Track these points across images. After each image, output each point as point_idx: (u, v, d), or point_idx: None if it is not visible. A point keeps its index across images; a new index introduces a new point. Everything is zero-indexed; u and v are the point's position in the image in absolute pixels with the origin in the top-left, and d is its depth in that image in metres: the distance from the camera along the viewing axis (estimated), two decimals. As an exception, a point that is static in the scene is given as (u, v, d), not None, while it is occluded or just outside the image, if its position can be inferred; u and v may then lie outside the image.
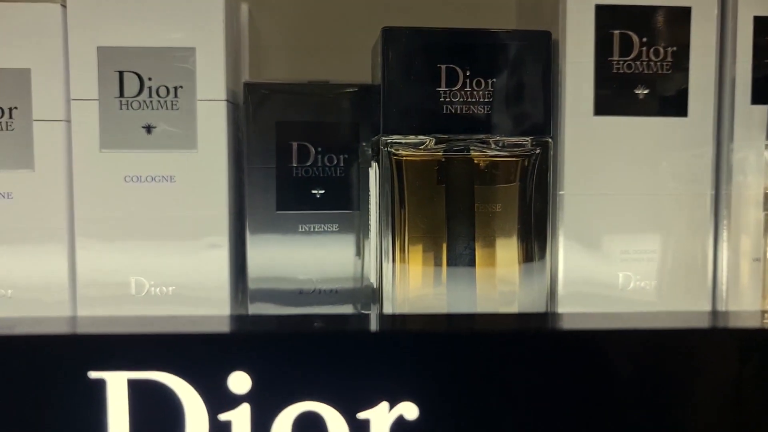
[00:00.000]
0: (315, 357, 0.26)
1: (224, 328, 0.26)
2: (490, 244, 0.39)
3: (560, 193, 0.41)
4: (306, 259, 0.42)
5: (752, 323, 0.28)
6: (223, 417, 0.26)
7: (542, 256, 0.40)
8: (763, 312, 0.41)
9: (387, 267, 0.38)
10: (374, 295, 0.40)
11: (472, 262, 0.38)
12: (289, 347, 0.26)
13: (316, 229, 0.42)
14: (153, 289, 0.40)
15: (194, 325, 0.25)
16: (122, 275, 0.40)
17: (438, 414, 0.26)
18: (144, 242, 0.40)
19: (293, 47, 0.59)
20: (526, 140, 0.37)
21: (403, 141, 0.37)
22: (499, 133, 0.37)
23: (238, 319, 0.30)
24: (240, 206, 0.43)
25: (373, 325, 0.30)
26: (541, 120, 0.38)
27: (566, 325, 0.28)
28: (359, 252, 0.42)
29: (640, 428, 0.27)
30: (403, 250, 0.39)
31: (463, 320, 0.31)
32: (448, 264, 0.40)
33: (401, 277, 0.39)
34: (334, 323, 0.26)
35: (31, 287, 0.40)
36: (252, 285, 0.42)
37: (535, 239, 0.40)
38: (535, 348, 0.26)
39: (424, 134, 0.37)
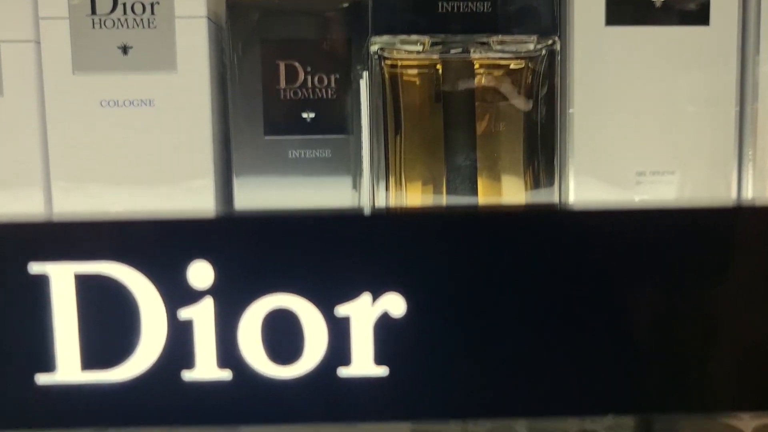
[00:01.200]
0: (287, 243, 0.23)
1: (183, 215, 0.23)
2: (494, 169, 0.36)
3: (570, 111, 0.38)
4: (297, 188, 0.39)
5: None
6: (183, 314, 0.24)
7: (550, 182, 0.37)
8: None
9: (379, 193, 0.35)
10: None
11: (473, 178, 0.35)
12: (257, 233, 0.23)
13: (308, 155, 0.39)
14: (133, 221, 0.38)
15: (149, 214, 0.23)
16: (101, 205, 0.38)
17: (428, 308, 0.23)
18: (122, 170, 0.38)
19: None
20: (531, 39, 0.34)
21: (396, 43, 0.34)
22: (501, 32, 0.34)
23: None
24: (225, 133, 0.40)
25: (353, 211, 0.27)
26: (547, 18, 0.34)
27: (576, 209, 0.25)
28: (354, 180, 0.39)
29: (660, 314, 0.24)
30: (397, 174, 0.35)
31: (460, 208, 0.28)
32: (448, 192, 0.37)
33: (398, 203, 0.36)
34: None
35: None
36: (241, 220, 0.39)
37: (543, 163, 0.36)
38: (542, 229, 0.23)
39: (418, 34, 0.34)
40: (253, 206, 0.39)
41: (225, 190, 0.39)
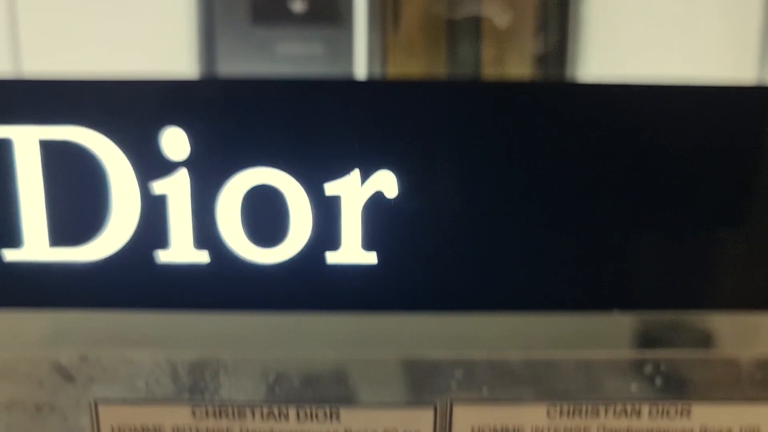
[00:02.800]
0: (271, 110, 0.21)
1: (157, 77, 0.21)
2: (500, 58, 0.34)
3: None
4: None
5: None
6: (156, 187, 0.22)
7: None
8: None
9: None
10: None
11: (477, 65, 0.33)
12: (238, 98, 0.21)
13: (298, 51, 0.36)
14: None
15: (121, 76, 0.20)
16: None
17: (423, 186, 0.21)
18: (101, 54, 0.35)
19: None
20: None
21: None
22: None
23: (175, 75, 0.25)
24: (210, 22, 0.37)
25: (344, 78, 0.25)
26: None
27: (585, 82, 0.23)
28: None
29: (679, 192, 0.22)
30: (395, 65, 0.33)
31: (463, 78, 0.26)
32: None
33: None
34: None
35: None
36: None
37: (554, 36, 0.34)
38: (550, 102, 0.21)
39: None
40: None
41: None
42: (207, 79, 0.23)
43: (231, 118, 0.21)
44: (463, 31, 0.32)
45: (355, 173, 0.21)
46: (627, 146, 0.22)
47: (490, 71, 0.34)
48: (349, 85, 0.22)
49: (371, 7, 0.32)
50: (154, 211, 0.22)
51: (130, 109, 0.21)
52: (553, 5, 0.33)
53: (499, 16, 0.33)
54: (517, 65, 0.35)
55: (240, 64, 0.36)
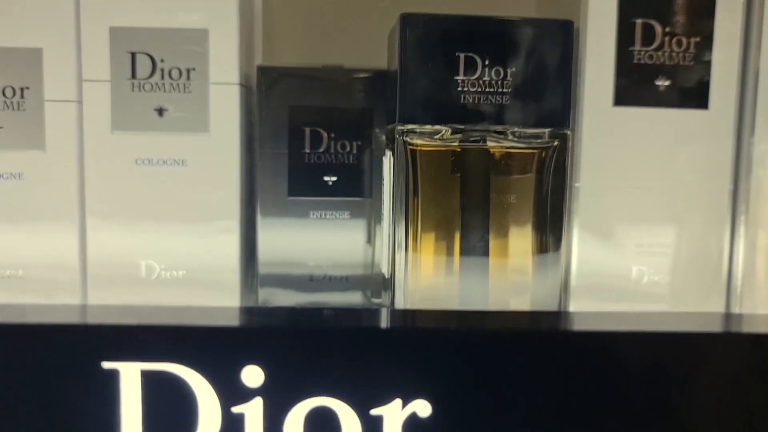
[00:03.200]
0: (328, 352, 0.25)
1: (237, 321, 0.25)
2: (504, 235, 0.39)
3: (576, 185, 0.40)
4: (317, 246, 0.42)
5: (765, 328, 0.27)
6: (236, 410, 0.26)
7: (557, 248, 0.40)
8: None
9: (399, 256, 0.38)
10: (385, 283, 0.40)
11: (485, 254, 0.38)
12: (302, 342, 0.25)
13: (328, 216, 0.41)
14: (163, 272, 0.40)
15: (207, 317, 0.25)
16: (133, 258, 0.40)
17: (451, 412, 0.26)
18: (155, 225, 0.40)
19: (307, 30, 0.58)
20: (544, 132, 0.36)
21: (419, 130, 0.36)
22: (517, 124, 0.36)
23: (250, 312, 0.30)
24: (251, 190, 0.42)
25: (386, 322, 0.30)
26: (560, 112, 0.37)
27: (578, 325, 0.27)
28: (370, 239, 0.42)
29: (651, 430, 0.26)
30: (415, 239, 0.38)
31: (476, 318, 0.30)
32: (461, 254, 0.39)
33: (413, 266, 0.39)
34: (347, 318, 0.26)
35: (41, 267, 0.40)
36: (262, 270, 0.41)
37: (550, 231, 0.39)
38: (546, 348, 0.26)
39: (440, 124, 0.36)
40: (275, 261, 0.41)
41: (249, 245, 0.42)
42: (278, 327, 0.28)
43: (297, 357, 0.26)
44: (473, 214, 0.37)
45: (396, 401, 0.26)
46: (611, 386, 0.27)
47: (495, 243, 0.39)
48: (385, 333, 0.26)
49: (395, 182, 0.37)
50: (233, 428, 0.26)
51: (215, 349, 0.26)
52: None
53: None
54: (520, 239, 0.40)
55: (276, 226, 0.41)
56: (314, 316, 0.26)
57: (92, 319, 0.25)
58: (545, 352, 0.25)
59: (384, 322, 0.30)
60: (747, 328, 0.27)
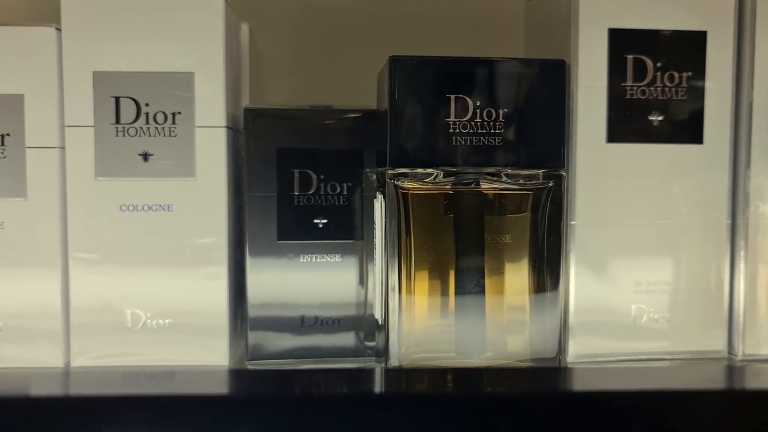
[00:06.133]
0: (318, 419, 0.24)
1: (224, 388, 0.24)
2: (500, 274, 0.38)
3: (572, 223, 0.40)
4: (307, 289, 0.41)
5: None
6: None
7: (554, 287, 0.39)
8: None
9: (393, 298, 0.37)
10: (379, 327, 0.39)
11: (481, 294, 0.37)
12: (292, 410, 0.24)
13: (318, 260, 0.40)
14: (149, 321, 0.39)
15: (192, 384, 0.24)
16: (118, 306, 0.39)
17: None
18: (140, 273, 0.39)
19: (295, 69, 0.57)
20: (538, 173, 0.36)
21: (410, 173, 0.36)
22: (510, 165, 0.36)
23: (238, 377, 0.29)
24: (239, 234, 0.41)
25: (379, 386, 0.29)
26: (554, 152, 0.36)
27: (578, 384, 0.26)
28: (362, 281, 0.41)
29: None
30: (409, 280, 0.37)
31: (473, 379, 0.29)
32: (456, 294, 0.38)
33: (407, 308, 0.38)
34: (338, 381, 0.25)
35: (23, 316, 0.39)
36: (252, 313, 0.40)
37: (547, 270, 0.38)
38: (545, 410, 0.25)
39: (432, 167, 0.36)
40: (265, 304, 0.40)
41: (238, 289, 0.41)
42: (265, 395, 0.27)
43: (286, 425, 0.25)
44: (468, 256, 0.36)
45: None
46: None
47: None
48: (377, 398, 0.25)
49: (387, 225, 0.36)
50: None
51: (200, 418, 0.25)
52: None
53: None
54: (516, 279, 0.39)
55: (266, 270, 0.40)
56: (301, 381, 0.24)
57: (72, 389, 0.23)
58: (544, 414, 0.24)
59: (375, 387, 0.29)
60: (751, 382, 0.26)
